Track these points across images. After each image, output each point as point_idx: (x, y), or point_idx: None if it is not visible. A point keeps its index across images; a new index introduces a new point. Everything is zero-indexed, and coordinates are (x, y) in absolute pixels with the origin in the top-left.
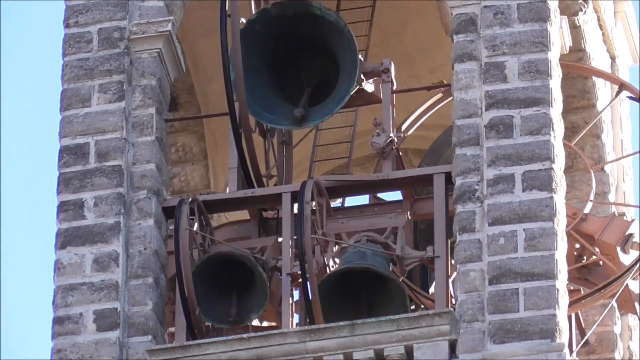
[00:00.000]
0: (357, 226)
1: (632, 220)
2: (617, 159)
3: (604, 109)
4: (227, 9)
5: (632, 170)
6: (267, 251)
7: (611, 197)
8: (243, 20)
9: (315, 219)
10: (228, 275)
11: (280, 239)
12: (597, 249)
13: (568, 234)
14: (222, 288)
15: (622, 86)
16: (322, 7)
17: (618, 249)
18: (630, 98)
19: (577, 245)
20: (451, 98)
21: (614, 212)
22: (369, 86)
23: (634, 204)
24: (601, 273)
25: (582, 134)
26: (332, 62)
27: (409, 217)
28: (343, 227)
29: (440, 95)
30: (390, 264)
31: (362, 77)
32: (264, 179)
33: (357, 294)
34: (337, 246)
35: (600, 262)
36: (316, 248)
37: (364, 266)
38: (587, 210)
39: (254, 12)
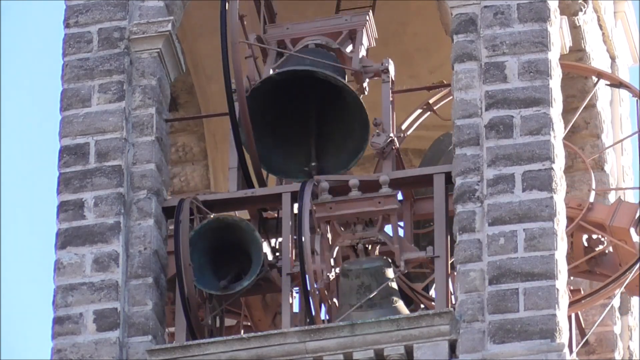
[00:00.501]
0: (345, 214)
1: None
2: (615, 143)
3: (587, 99)
4: (227, 18)
5: (632, 170)
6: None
7: (611, 197)
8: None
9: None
10: (224, 247)
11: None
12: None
13: (577, 225)
14: (216, 257)
15: (600, 75)
16: (326, 73)
17: (632, 230)
18: (610, 85)
19: (585, 236)
20: (439, 106)
21: (619, 196)
22: None
23: (635, 186)
24: (610, 262)
25: (569, 127)
26: (337, 95)
27: (397, 202)
28: (332, 212)
29: (427, 104)
30: (389, 267)
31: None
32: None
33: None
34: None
35: (607, 252)
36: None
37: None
38: (591, 199)
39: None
